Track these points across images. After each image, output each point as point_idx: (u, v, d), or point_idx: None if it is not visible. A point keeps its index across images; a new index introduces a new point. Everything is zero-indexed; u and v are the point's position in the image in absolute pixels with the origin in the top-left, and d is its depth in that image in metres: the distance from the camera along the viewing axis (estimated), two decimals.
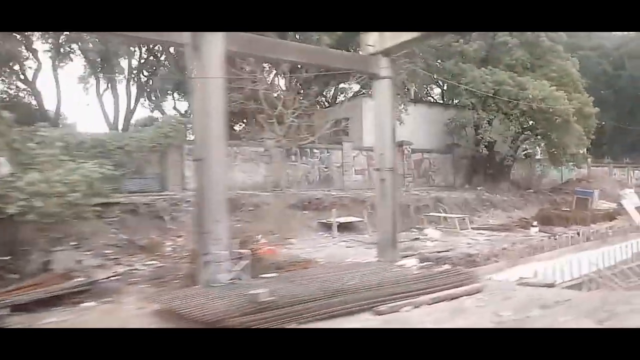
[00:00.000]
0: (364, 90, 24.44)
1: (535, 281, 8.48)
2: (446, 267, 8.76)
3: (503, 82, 20.67)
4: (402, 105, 19.19)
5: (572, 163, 24.18)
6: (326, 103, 23.79)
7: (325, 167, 18.83)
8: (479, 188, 22.75)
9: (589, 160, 33.88)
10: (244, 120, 21.49)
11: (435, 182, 22.95)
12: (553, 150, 21.64)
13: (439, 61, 22.95)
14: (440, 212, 16.96)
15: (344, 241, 14.15)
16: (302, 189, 17.52)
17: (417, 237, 14.97)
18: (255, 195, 15.35)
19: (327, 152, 18.94)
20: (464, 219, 15.68)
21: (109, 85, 23.33)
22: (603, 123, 41.86)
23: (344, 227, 15.68)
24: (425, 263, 9.21)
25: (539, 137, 22.07)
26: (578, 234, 16.98)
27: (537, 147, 23.14)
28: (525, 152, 24.15)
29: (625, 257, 14.27)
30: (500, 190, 23.10)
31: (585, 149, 24.07)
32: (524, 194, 24.13)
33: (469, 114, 22.12)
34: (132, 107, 24.20)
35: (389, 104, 10.13)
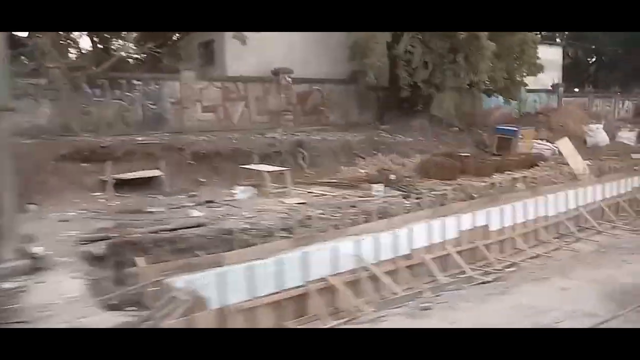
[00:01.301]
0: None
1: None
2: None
3: None
4: None
5: (501, 93, 19.45)
6: None
7: (153, 104, 14.79)
8: (381, 127, 18.49)
9: (561, 89, 28.86)
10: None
11: (329, 120, 18.71)
12: (465, 76, 16.90)
13: None
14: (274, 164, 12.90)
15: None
16: (115, 133, 13.65)
17: (211, 199, 11.17)
18: None
19: (156, 85, 14.84)
20: (281, 173, 11.71)
21: None
22: (595, 47, 36.59)
23: (134, 185, 11.98)
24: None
25: (456, 61, 17.33)
26: (455, 191, 12.94)
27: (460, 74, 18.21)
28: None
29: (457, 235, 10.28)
30: (412, 129, 18.79)
31: (522, 75, 19.24)
32: (446, 133, 19.81)
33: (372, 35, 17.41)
34: None
35: None
